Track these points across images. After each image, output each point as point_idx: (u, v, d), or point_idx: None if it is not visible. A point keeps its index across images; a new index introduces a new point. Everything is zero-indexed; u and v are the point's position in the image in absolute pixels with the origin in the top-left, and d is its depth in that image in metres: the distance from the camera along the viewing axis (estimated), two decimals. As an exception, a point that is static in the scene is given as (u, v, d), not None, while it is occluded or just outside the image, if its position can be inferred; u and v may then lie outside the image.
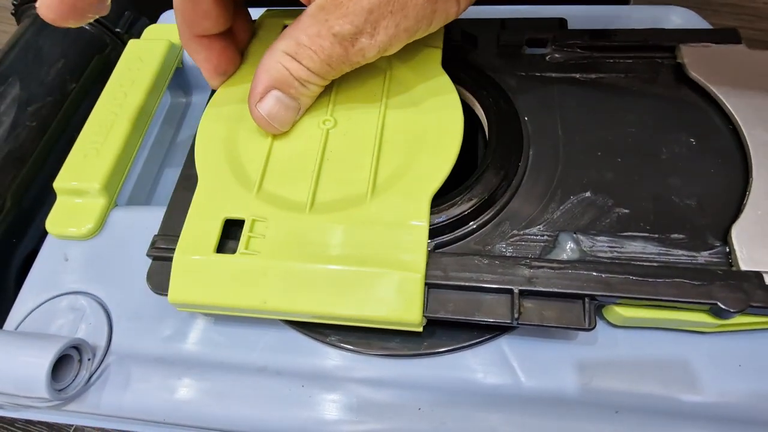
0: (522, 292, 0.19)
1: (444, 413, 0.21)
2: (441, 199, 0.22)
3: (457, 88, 0.24)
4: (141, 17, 0.39)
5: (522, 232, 0.22)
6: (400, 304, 0.19)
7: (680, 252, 0.21)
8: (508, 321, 0.19)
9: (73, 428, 0.48)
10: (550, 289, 0.19)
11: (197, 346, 0.24)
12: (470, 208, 0.22)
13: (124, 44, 0.32)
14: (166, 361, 0.23)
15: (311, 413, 0.22)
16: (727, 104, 0.24)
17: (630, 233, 0.21)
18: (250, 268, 0.20)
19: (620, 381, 0.21)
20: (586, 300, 0.19)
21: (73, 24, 0.20)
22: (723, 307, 0.18)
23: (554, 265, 0.20)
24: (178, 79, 0.35)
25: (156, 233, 0.23)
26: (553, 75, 0.26)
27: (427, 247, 0.20)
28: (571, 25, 0.28)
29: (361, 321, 0.20)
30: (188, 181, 0.24)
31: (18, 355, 0.22)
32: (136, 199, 0.30)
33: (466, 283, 0.20)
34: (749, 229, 0.20)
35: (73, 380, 0.23)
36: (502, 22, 0.28)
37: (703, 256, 0.21)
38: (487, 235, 0.22)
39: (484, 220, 0.22)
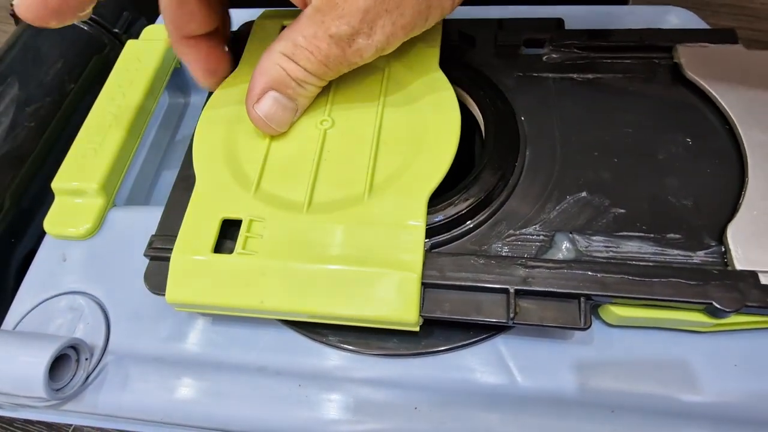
0: (518, 292, 0.20)
1: (441, 413, 0.21)
2: (438, 198, 0.22)
3: (454, 89, 0.24)
4: (139, 18, 0.39)
5: (518, 232, 0.22)
6: (397, 303, 0.19)
7: (676, 252, 0.21)
8: (504, 321, 0.19)
9: (71, 428, 0.48)
10: (546, 289, 0.19)
11: (195, 346, 0.24)
12: (467, 207, 0.22)
13: (123, 44, 0.32)
14: (164, 361, 0.23)
15: (309, 413, 0.22)
16: (723, 104, 0.24)
17: (626, 233, 0.21)
18: (247, 268, 0.20)
19: (616, 380, 0.21)
20: (582, 299, 0.19)
21: (54, 25, 0.20)
22: (718, 306, 0.19)
23: (550, 264, 0.20)
24: (176, 80, 0.35)
25: (154, 233, 0.23)
26: (551, 75, 0.26)
27: (424, 246, 0.20)
28: (568, 26, 0.28)
29: (357, 320, 0.20)
30: (186, 181, 0.24)
31: (16, 354, 0.22)
32: (134, 199, 0.30)
33: (463, 283, 0.20)
34: (745, 229, 0.20)
35: (71, 380, 0.23)
36: (500, 23, 0.28)
37: (698, 256, 0.21)
38: (483, 234, 0.22)
39: (480, 219, 0.22)
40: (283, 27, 0.28)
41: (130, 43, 0.32)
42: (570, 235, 0.21)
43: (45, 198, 0.31)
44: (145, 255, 0.22)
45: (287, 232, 0.21)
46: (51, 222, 0.27)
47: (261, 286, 0.20)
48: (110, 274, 0.26)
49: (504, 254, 0.21)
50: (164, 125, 0.35)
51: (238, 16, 0.29)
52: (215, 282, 0.20)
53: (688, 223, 0.21)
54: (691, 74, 0.25)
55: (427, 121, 0.23)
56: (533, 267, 0.20)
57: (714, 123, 0.24)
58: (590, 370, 0.21)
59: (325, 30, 0.20)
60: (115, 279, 0.26)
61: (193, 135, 0.25)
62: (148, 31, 0.33)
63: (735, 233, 0.20)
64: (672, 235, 0.21)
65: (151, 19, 0.37)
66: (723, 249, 0.21)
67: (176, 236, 0.21)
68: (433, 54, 0.25)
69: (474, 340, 0.22)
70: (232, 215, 0.22)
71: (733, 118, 0.23)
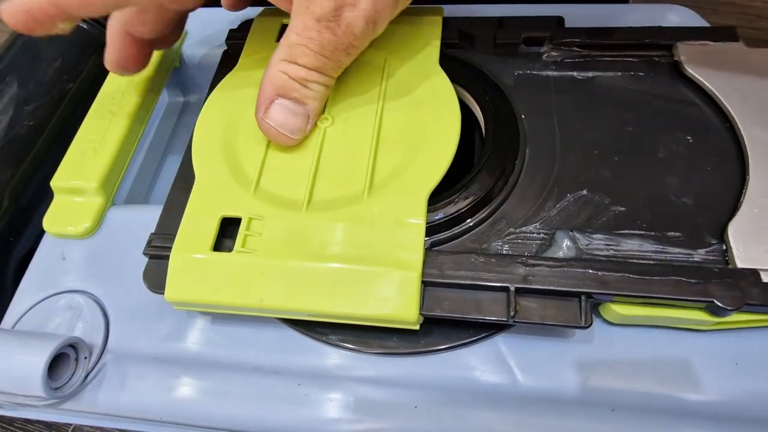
0: (518, 290, 0.19)
1: (440, 411, 0.21)
2: (438, 197, 0.22)
3: (454, 87, 0.24)
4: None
5: (518, 230, 0.22)
6: (397, 302, 0.19)
7: (677, 250, 0.21)
8: (504, 319, 0.19)
9: (71, 428, 0.48)
10: (547, 287, 0.19)
11: (194, 344, 0.24)
12: (467, 206, 0.22)
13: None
14: (163, 359, 0.23)
15: (309, 412, 0.22)
16: (724, 102, 0.24)
17: (626, 231, 0.21)
18: (246, 266, 0.20)
19: (617, 379, 0.21)
20: (583, 298, 0.19)
21: (38, 34, 0.21)
22: (719, 304, 0.18)
23: (550, 263, 0.20)
24: (176, 79, 0.35)
25: (153, 232, 0.23)
26: (550, 73, 0.26)
27: (424, 245, 0.20)
28: (568, 24, 0.28)
29: (357, 319, 0.20)
30: (185, 179, 0.24)
31: (15, 353, 0.22)
32: (133, 197, 0.30)
33: (463, 281, 0.20)
34: (746, 227, 0.20)
35: (70, 379, 0.23)
36: (500, 21, 0.28)
37: (699, 254, 0.21)
38: (483, 233, 0.22)
39: (480, 218, 0.22)
40: (283, 25, 0.28)
41: (130, 42, 0.32)
42: (570, 233, 0.21)
43: (44, 197, 0.31)
44: (144, 253, 0.22)
45: (287, 231, 0.21)
46: (50, 221, 0.27)
47: (260, 284, 0.20)
48: (109, 272, 0.26)
49: (504, 252, 0.21)
50: (163, 124, 0.35)
51: (238, 15, 0.29)
52: (214, 280, 0.20)
53: (689, 221, 0.21)
54: (691, 72, 0.25)
55: (427, 119, 0.23)
56: (533, 265, 0.20)
57: (714, 121, 0.24)
58: (591, 369, 0.21)
59: (311, 15, 0.20)
60: (114, 278, 0.26)
61: (192, 133, 0.24)
62: (148, 30, 0.33)
63: (736, 231, 0.20)
64: (673, 233, 0.21)
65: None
66: (724, 247, 0.20)
67: (175, 235, 0.21)
68: (433, 52, 0.25)
69: (474, 338, 0.22)
70: (232, 213, 0.22)
71: (734, 115, 0.23)
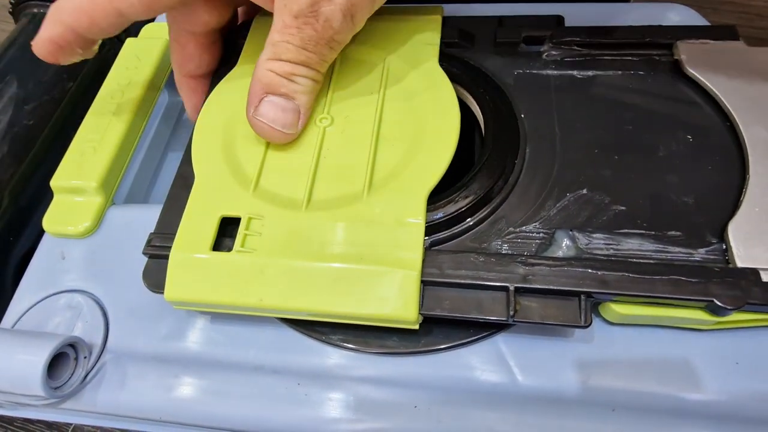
0: (518, 290, 0.19)
1: (440, 411, 0.21)
2: (437, 196, 0.22)
3: (453, 86, 0.24)
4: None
5: (518, 230, 0.22)
6: (396, 301, 0.19)
7: (677, 249, 0.21)
8: (504, 318, 0.19)
9: (71, 427, 0.48)
10: (546, 287, 0.19)
11: (194, 344, 0.24)
12: (467, 205, 0.22)
13: (122, 43, 0.32)
14: (162, 359, 0.23)
15: (308, 411, 0.22)
16: (724, 101, 0.24)
17: (626, 230, 0.21)
18: (246, 265, 0.20)
19: (617, 379, 0.21)
20: (582, 297, 0.19)
21: (63, 62, 0.23)
22: (720, 304, 0.18)
23: (550, 262, 0.20)
24: (176, 78, 0.35)
25: (152, 231, 0.23)
26: (551, 72, 0.26)
27: (424, 244, 0.20)
28: (568, 23, 0.28)
29: (357, 318, 0.20)
30: (185, 179, 0.24)
31: (14, 352, 0.22)
32: (133, 197, 0.30)
33: (462, 281, 0.20)
34: (746, 226, 0.20)
35: (69, 378, 0.23)
36: (500, 20, 0.28)
37: (699, 254, 0.20)
38: (483, 232, 0.22)
39: (480, 217, 0.22)
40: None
41: (129, 41, 0.32)
42: (570, 232, 0.21)
43: (44, 196, 0.31)
44: (143, 253, 0.22)
45: (286, 230, 0.21)
46: (50, 220, 0.27)
47: (260, 283, 0.20)
48: (109, 272, 0.26)
49: (504, 252, 0.21)
50: (163, 123, 0.35)
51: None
52: (214, 280, 0.20)
53: (689, 221, 0.21)
54: (691, 71, 0.25)
55: (427, 118, 0.23)
56: (533, 264, 0.20)
57: (715, 120, 0.24)
58: (591, 369, 0.21)
59: (289, 12, 0.20)
60: (114, 277, 0.26)
61: (192, 133, 0.24)
62: (147, 30, 0.33)
63: (736, 230, 0.20)
64: (673, 233, 0.21)
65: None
66: (724, 246, 0.20)
67: (175, 234, 0.21)
68: (433, 51, 0.25)
69: (474, 338, 0.22)
70: (231, 213, 0.21)
71: (734, 115, 0.23)
